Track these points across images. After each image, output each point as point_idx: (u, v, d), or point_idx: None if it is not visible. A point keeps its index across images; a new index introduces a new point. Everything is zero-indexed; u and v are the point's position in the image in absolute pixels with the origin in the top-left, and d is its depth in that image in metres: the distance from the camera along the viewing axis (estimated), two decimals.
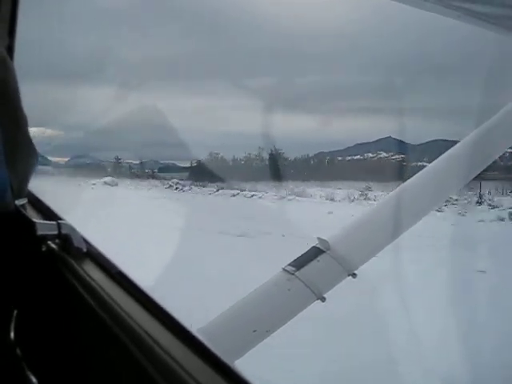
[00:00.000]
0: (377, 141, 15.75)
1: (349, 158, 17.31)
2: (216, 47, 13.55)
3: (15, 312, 1.30)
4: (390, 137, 15.87)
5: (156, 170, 18.70)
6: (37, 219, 1.34)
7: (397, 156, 16.09)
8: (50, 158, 17.06)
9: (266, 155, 15.89)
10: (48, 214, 1.45)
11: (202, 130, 15.24)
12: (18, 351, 1.29)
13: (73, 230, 1.31)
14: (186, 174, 18.14)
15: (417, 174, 3.22)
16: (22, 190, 1.32)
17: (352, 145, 16.78)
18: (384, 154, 16.35)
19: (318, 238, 2.97)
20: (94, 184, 16.45)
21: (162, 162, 19.05)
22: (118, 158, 18.41)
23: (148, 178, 18.29)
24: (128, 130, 14.55)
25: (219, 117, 15.06)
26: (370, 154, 16.56)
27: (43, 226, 1.30)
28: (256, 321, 2.67)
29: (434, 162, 3.17)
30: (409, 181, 3.21)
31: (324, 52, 12.85)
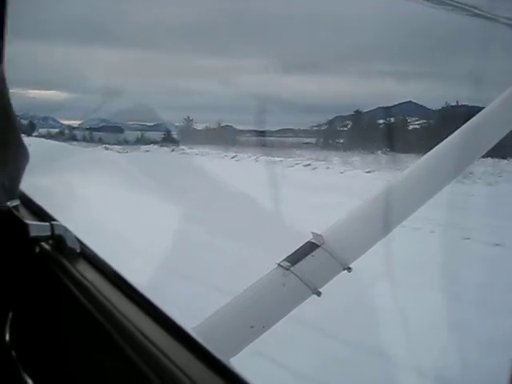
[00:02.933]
0: (397, 105, 15.20)
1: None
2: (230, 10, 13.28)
3: (10, 314, 1.30)
4: (410, 101, 15.52)
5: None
6: (29, 220, 1.34)
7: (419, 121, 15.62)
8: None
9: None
10: (41, 214, 1.44)
11: (212, 91, 14.99)
12: (13, 353, 1.28)
13: (66, 230, 1.30)
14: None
15: (409, 168, 3.24)
16: (13, 191, 1.31)
17: (373, 108, 16.26)
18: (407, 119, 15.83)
19: (313, 233, 2.98)
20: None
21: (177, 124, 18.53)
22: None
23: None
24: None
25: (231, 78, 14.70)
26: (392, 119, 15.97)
27: (36, 228, 1.29)
28: (252, 317, 2.67)
29: (425, 156, 3.20)
30: (402, 173, 3.23)
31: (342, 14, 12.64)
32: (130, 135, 18.30)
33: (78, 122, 17.94)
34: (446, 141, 3.17)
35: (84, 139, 17.65)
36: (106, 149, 16.58)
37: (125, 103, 13.14)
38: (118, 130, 18.13)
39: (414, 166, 3.29)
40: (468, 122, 3.17)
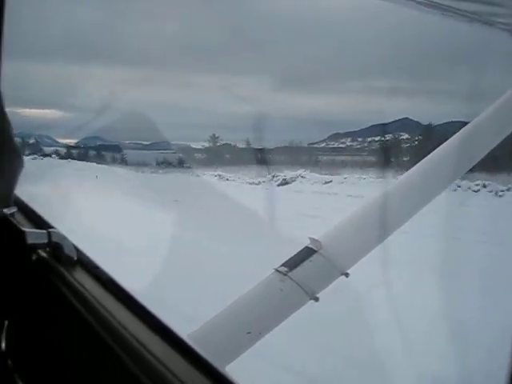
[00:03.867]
0: (393, 122, 15.07)
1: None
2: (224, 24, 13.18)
3: (6, 322, 1.29)
4: (406, 118, 15.40)
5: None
6: (27, 228, 1.33)
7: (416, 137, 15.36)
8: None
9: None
10: (38, 222, 1.44)
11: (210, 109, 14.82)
12: (10, 362, 1.28)
13: (63, 238, 1.30)
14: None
15: (405, 173, 3.25)
16: (8, 197, 1.31)
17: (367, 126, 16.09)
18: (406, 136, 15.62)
19: (310, 238, 2.97)
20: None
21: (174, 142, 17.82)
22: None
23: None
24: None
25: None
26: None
27: (33, 235, 1.29)
28: (249, 323, 2.66)
29: (420, 162, 3.21)
30: (399, 179, 3.24)
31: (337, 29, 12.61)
32: (143, 156, 17.73)
33: (74, 141, 17.50)
34: (441, 147, 3.18)
35: (88, 158, 17.12)
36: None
37: (120, 121, 13.06)
38: (117, 149, 17.61)
39: (409, 172, 3.30)
40: (463, 129, 3.18)
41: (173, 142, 16.61)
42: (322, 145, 17.25)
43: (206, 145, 17.32)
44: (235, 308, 2.75)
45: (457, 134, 3.19)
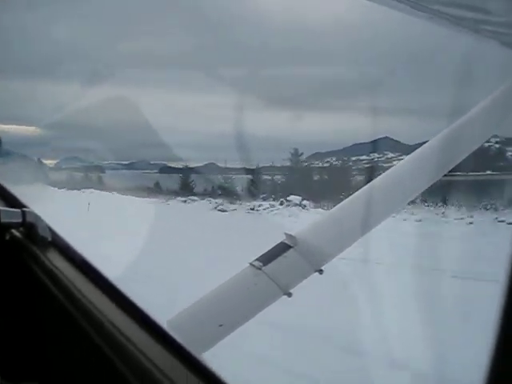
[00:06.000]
0: (374, 141, 15.11)
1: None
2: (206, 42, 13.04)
3: None
4: (387, 137, 15.46)
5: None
6: (1, 206, 1.32)
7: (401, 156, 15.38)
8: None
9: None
10: (12, 201, 1.42)
11: (191, 130, 14.53)
12: None
13: (38, 218, 1.29)
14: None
15: (385, 172, 3.28)
16: None
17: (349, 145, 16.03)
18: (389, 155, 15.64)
19: (286, 234, 2.98)
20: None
21: (152, 162, 17.29)
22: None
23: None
24: (108, 128, 13.70)
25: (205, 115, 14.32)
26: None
27: (7, 214, 1.28)
28: (222, 315, 2.67)
29: (402, 161, 3.24)
30: (378, 178, 3.26)
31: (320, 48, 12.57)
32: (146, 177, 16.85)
33: (53, 162, 16.27)
34: (422, 147, 3.22)
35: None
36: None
37: (100, 141, 12.71)
38: (100, 169, 16.53)
39: (389, 171, 3.33)
40: (449, 128, 3.21)
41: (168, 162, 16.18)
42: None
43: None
44: (209, 299, 2.74)
45: (440, 133, 3.23)
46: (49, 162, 15.89)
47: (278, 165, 15.89)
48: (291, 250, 2.90)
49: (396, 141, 15.24)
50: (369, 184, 3.29)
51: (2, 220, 1.25)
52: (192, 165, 15.44)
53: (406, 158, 3.26)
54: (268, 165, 15.68)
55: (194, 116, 14.33)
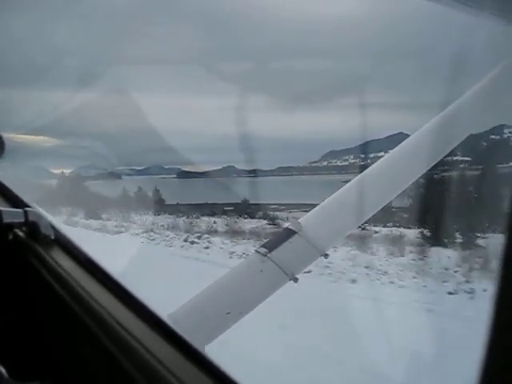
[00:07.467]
0: (388, 137, 14.86)
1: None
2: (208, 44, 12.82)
3: None
4: (401, 132, 15.27)
5: None
6: (3, 207, 1.31)
7: None
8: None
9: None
10: (15, 201, 1.42)
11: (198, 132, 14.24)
12: None
13: (40, 217, 1.29)
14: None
15: (384, 157, 3.28)
16: None
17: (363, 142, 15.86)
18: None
19: (291, 219, 2.99)
20: None
21: (167, 167, 16.59)
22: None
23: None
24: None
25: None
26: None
27: (9, 214, 1.27)
28: (229, 303, 2.68)
29: (398, 146, 3.23)
30: (376, 162, 3.26)
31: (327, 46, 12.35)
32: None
33: (69, 171, 15.60)
34: (415, 134, 3.21)
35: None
36: None
37: (113, 148, 12.45)
38: (117, 177, 15.78)
39: (387, 155, 3.32)
40: (440, 114, 3.20)
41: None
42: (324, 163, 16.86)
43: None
44: (215, 288, 2.76)
45: (432, 120, 3.21)
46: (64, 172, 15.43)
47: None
48: (296, 235, 2.90)
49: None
50: (370, 168, 3.28)
51: (5, 220, 1.25)
52: (209, 168, 15.06)
53: (402, 143, 3.24)
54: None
55: (201, 119, 14.03)
